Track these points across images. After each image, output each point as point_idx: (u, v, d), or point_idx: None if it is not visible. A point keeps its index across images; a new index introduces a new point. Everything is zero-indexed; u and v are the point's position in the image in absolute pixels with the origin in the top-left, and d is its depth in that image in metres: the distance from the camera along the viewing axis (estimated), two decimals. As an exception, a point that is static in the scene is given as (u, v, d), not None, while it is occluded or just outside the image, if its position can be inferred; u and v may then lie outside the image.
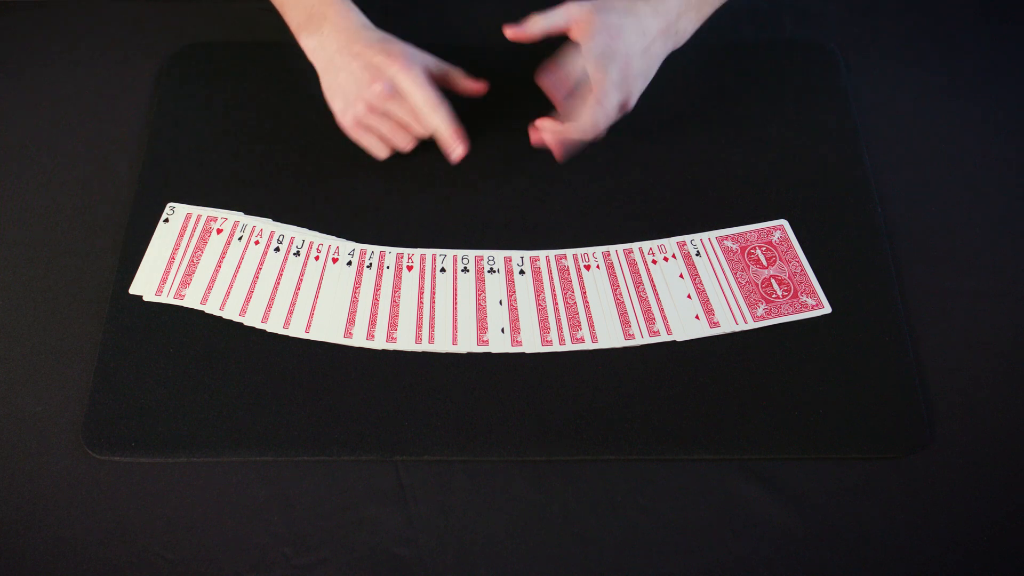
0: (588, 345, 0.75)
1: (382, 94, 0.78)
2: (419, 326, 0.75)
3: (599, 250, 0.80)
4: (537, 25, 0.78)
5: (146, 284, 0.78)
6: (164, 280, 0.78)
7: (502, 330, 0.75)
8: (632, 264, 0.79)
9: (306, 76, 0.91)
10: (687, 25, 0.81)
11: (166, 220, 0.81)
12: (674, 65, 0.87)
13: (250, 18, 0.96)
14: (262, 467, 0.71)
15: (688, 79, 0.90)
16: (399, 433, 0.71)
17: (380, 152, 0.83)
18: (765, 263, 0.79)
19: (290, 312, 0.76)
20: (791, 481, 0.69)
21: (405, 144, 0.82)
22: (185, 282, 0.78)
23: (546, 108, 0.89)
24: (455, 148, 0.80)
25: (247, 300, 0.77)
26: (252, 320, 0.76)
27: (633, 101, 0.79)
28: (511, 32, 0.78)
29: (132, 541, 0.68)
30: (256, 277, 0.78)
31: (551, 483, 0.70)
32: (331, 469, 0.70)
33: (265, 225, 0.81)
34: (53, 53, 0.94)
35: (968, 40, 0.93)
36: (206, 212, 0.82)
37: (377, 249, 0.80)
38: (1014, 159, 0.85)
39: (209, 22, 0.96)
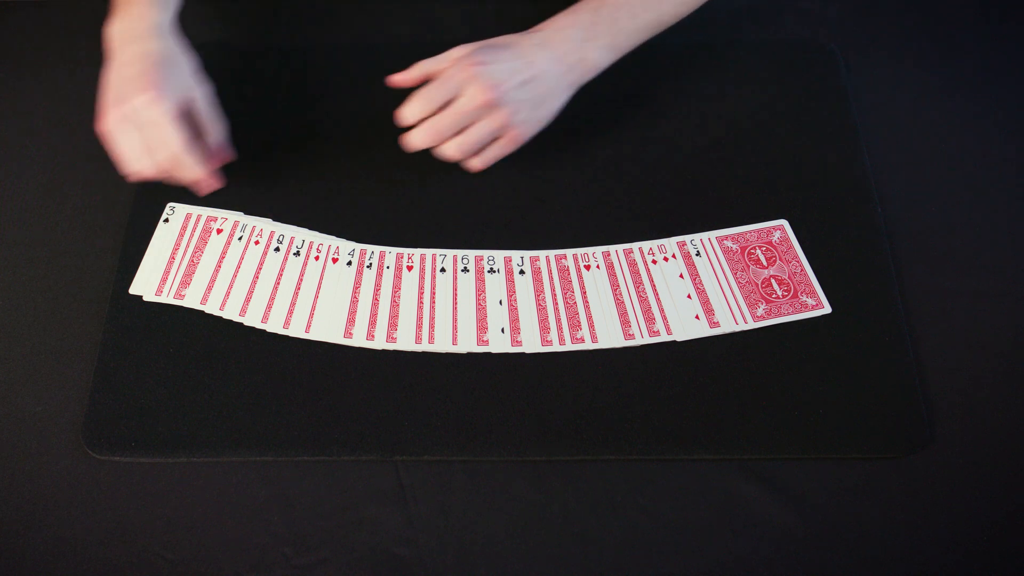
0: (588, 345, 0.75)
1: (119, 121, 0.74)
2: (419, 326, 0.75)
3: (599, 250, 0.80)
4: (417, 69, 0.78)
5: (146, 284, 0.78)
6: (164, 280, 0.78)
7: (502, 330, 0.75)
8: (632, 264, 0.79)
9: (306, 77, 0.91)
10: (597, 55, 0.79)
11: (166, 220, 0.81)
12: (675, 64, 0.87)
13: (250, 18, 0.96)
14: (262, 467, 0.71)
15: (688, 79, 0.90)
16: (399, 433, 0.71)
17: (132, 162, 0.75)
18: (765, 263, 0.79)
19: (290, 312, 0.76)
20: (791, 481, 0.69)
21: (146, 166, 0.76)
22: (185, 282, 0.78)
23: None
24: (198, 189, 0.78)
25: (247, 300, 0.77)
26: (252, 320, 0.76)
27: (522, 130, 0.78)
28: (395, 79, 0.79)
29: (132, 541, 0.68)
30: (256, 277, 0.78)
31: (551, 483, 0.70)
32: (331, 469, 0.70)
33: (265, 225, 0.81)
34: (53, 53, 0.94)
35: (968, 40, 0.93)
36: (206, 212, 0.82)
37: (377, 249, 0.80)
38: (1014, 159, 0.85)
39: (209, 22, 0.96)
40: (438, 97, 0.76)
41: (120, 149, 0.75)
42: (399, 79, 0.79)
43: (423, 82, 0.77)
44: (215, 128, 0.79)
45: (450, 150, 0.78)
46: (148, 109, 0.73)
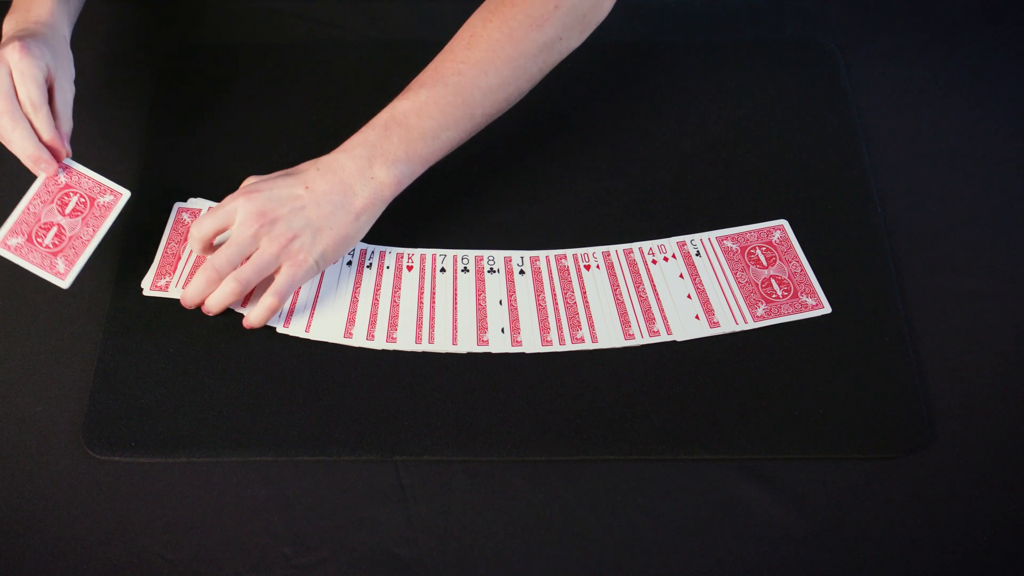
0: (588, 345, 0.75)
1: None
2: (419, 326, 0.75)
3: (599, 250, 0.80)
4: (200, 233, 0.74)
5: (153, 280, 0.78)
6: (170, 275, 0.78)
7: (502, 330, 0.75)
8: (632, 264, 0.79)
9: (306, 76, 0.91)
10: (387, 173, 0.74)
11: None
12: (675, 64, 0.87)
13: (250, 18, 0.96)
14: (262, 467, 0.71)
15: (688, 79, 0.90)
16: (399, 433, 0.71)
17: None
18: (765, 263, 0.79)
19: (290, 312, 0.76)
20: (791, 481, 0.69)
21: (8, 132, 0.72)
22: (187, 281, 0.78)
23: (548, 108, 0.89)
24: (37, 167, 0.73)
25: (248, 298, 0.77)
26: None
27: (302, 255, 0.72)
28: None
29: (132, 541, 0.68)
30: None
31: (551, 483, 0.70)
32: (331, 469, 0.70)
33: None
34: (53, 53, 0.94)
35: (968, 40, 0.93)
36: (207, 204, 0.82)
37: (377, 249, 0.80)
38: (1014, 159, 0.85)
39: (209, 22, 0.96)
40: (210, 227, 0.73)
41: None
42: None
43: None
44: (66, 119, 0.75)
45: (230, 285, 0.72)
46: (13, 54, 0.70)
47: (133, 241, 0.80)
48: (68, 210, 0.74)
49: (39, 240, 0.73)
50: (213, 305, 0.74)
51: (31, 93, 0.71)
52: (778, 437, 0.70)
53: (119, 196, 0.75)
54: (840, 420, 0.71)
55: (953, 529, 0.67)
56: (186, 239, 0.79)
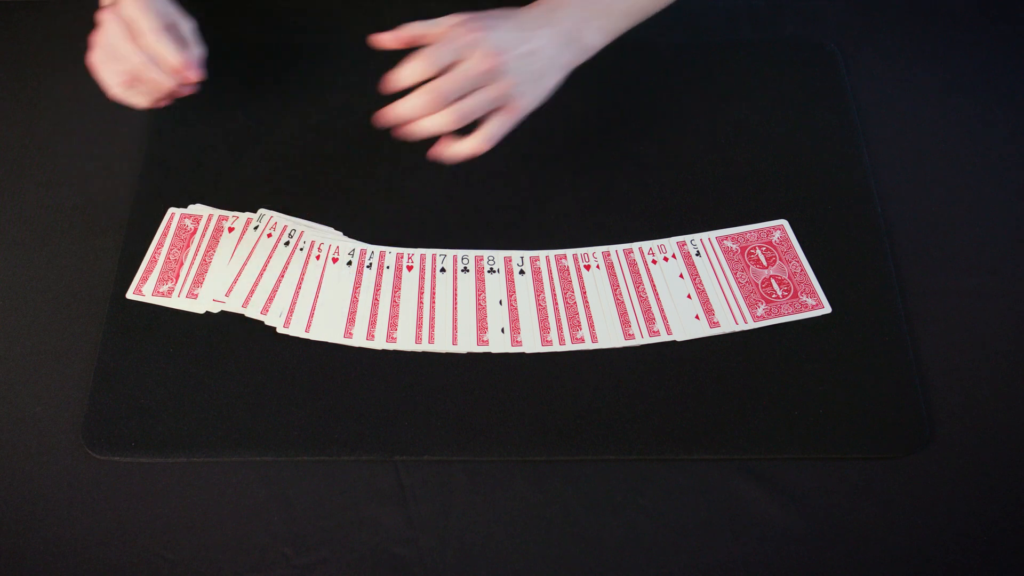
0: (588, 345, 0.75)
1: (104, 20, 0.75)
2: (419, 326, 0.75)
3: (599, 250, 0.80)
4: (410, 29, 0.74)
5: (146, 285, 0.78)
6: (172, 281, 0.78)
7: (502, 330, 0.75)
8: (632, 264, 0.79)
9: (306, 76, 0.91)
10: (592, 36, 0.77)
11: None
12: (675, 64, 0.87)
13: (250, 18, 0.96)
14: (262, 467, 0.71)
15: (688, 79, 0.90)
16: (399, 433, 0.71)
17: (112, 81, 0.77)
18: (765, 263, 0.79)
19: (290, 312, 0.76)
20: (791, 481, 0.69)
21: (115, 77, 0.76)
22: (169, 277, 0.78)
23: (548, 108, 0.89)
24: (185, 75, 0.76)
25: (250, 294, 0.77)
26: (252, 312, 0.76)
27: (525, 101, 0.74)
28: (381, 38, 0.75)
29: (132, 541, 0.68)
30: (263, 272, 0.78)
31: (551, 483, 0.70)
32: (331, 469, 0.70)
33: (278, 220, 0.81)
34: (53, 53, 0.94)
35: (968, 40, 0.93)
36: (207, 211, 0.82)
37: (377, 249, 0.80)
38: (1014, 159, 0.85)
39: (209, 22, 0.96)
40: (440, 60, 0.71)
41: (101, 44, 0.76)
42: (384, 39, 0.74)
43: (410, 48, 0.73)
44: (195, 47, 0.78)
45: (448, 116, 0.71)
46: (133, 5, 0.74)
47: (133, 242, 0.80)
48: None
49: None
50: (421, 130, 0.72)
51: (150, 34, 0.74)
52: (778, 437, 0.70)
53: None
54: (840, 420, 0.71)
55: (953, 529, 0.68)
56: (187, 246, 0.79)
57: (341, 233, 0.81)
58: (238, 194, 0.83)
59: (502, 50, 0.72)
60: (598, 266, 0.79)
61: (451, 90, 0.71)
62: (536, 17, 0.75)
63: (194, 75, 0.77)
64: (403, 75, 0.72)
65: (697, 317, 0.76)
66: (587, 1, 0.77)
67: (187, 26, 0.78)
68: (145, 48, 0.75)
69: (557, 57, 0.75)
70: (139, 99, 0.79)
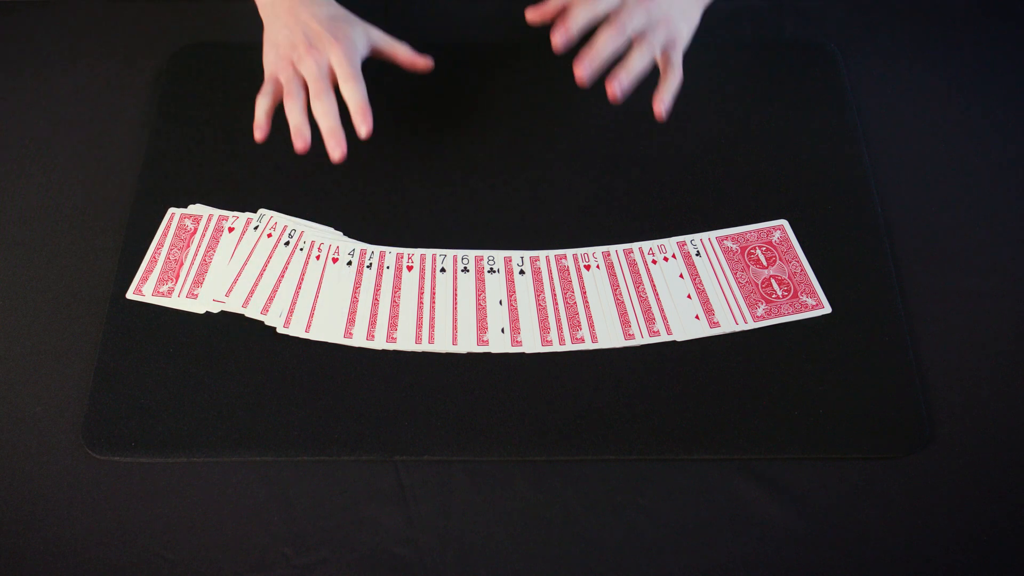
0: (588, 345, 0.75)
1: (308, 64, 0.78)
2: (419, 326, 0.75)
3: (599, 250, 0.80)
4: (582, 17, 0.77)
5: (147, 285, 0.78)
6: (172, 282, 0.78)
7: (502, 330, 0.75)
8: (632, 264, 0.79)
9: (306, 76, 0.91)
10: None
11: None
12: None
13: (250, 18, 0.96)
14: (262, 467, 0.71)
15: (688, 79, 0.90)
16: (399, 433, 0.71)
17: (264, 107, 0.80)
18: (765, 263, 0.79)
19: (290, 312, 0.76)
20: (791, 481, 0.69)
21: (297, 118, 0.78)
22: (169, 278, 0.78)
23: (548, 108, 0.89)
24: (361, 124, 0.78)
25: (250, 294, 0.77)
26: (252, 312, 0.76)
27: (680, 37, 0.79)
28: (534, 15, 0.79)
29: (132, 541, 0.68)
30: (263, 272, 0.78)
31: (551, 483, 0.70)
32: (331, 469, 0.70)
33: (278, 220, 0.81)
34: (53, 53, 0.94)
35: (968, 40, 0.93)
36: (206, 211, 0.82)
37: (377, 249, 0.80)
38: (1014, 159, 0.85)
39: (209, 22, 0.96)
40: (601, 8, 0.75)
41: (265, 102, 0.80)
42: (536, 16, 0.79)
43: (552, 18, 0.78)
44: (406, 53, 0.83)
45: (610, 39, 0.76)
46: (338, 61, 0.78)
47: (133, 242, 0.80)
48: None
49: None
50: (575, 25, 0.75)
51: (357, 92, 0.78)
52: (778, 437, 0.70)
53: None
54: (840, 420, 0.71)
55: (953, 529, 0.68)
56: (187, 246, 0.79)
57: (341, 233, 0.81)
58: (238, 194, 0.83)
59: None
60: (598, 266, 0.79)
61: (614, 37, 0.76)
62: None
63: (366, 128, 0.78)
64: (572, 23, 0.75)
65: (697, 317, 0.76)
66: None
67: (381, 37, 0.82)
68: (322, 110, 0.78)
69: (698, 2, 0.82)
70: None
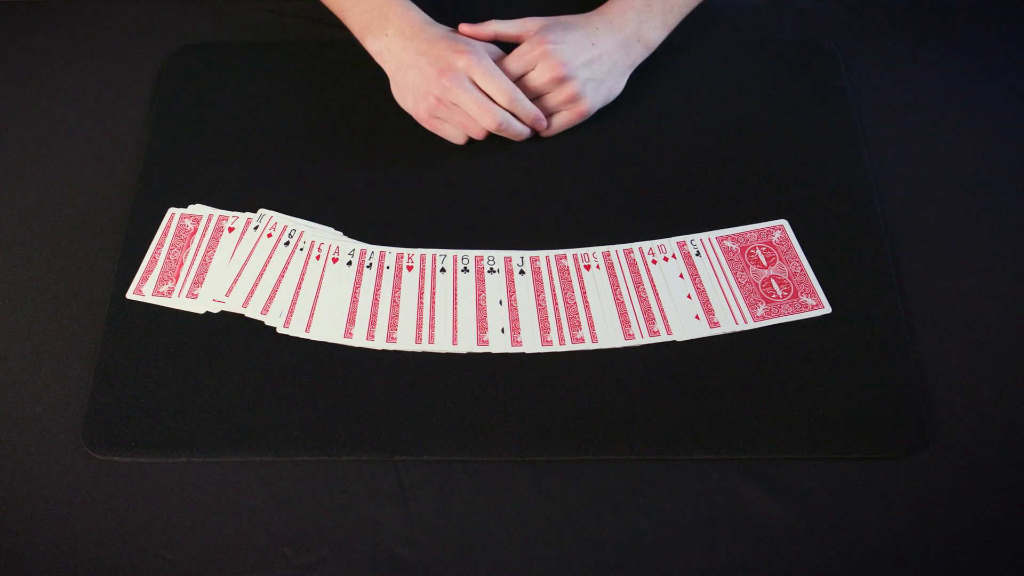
0: (588, 345, 0.75)
1: (449, 87, 0.80)
2: (419, 326, 0.75)
3: (599, 250, 0.80)
4: (491, 27, 0.85)
5: (138, 285, 0.78)
6: (172, 281, 0.78)
7: (502, 330, 0.75)
8: (632, 264, 0.79)
9: (306, 76, 0.91)
10: (652, 33, 0.86)
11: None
12: (675, 64, 0.87)
13: (250, 18, 0.96)
14: (262, 467, 0.71)
15: (688, 79, 0.90)
16: (399, 433, 0.71)
17: (458, 139, 0.85)
18: (765, 263, 0.79)
19: (290, 312, 0.76)
20: (791, 481, 0.69)
21: (477, 133, 0.83)
22: (169, 278, 0.78)
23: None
24: (539, 126, 0.84)
25: (250, 294, 0.77)
26: (252, 312, 0.76)
27: (588, 103, 0.84)
28: (466, 28, 0.85)
29: (132, 541, 0.68)
30: (263, 272, 0.78)
31: (551, 483, 0.70)
32: (331, 469, 0.70)
33: (278, 220, 0.81)
34: (53, 53, 0.94)
35: (968, 40, 0.93)
36: (206, 211, 0.82)
37: (377, 249, 0.80)
38: (1014, 159, 0.85)
39: (209, 22, 0.96)
40: (512, 71, 0.82)
41: (446, 128, 0.84)
42: (469, 30, 0.85)
43: (491, 39, 0.85)
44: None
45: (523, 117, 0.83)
46: (474, 68, 0.80)
47: (133, 242, 0.80)
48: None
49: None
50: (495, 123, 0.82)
51: (506, 89, 0.81)
52: (778, 437, 0.70)
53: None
54: (840, 420, 0.71)
55: (953, 529, 0.67)
56: (187, 246, 0.79)
57: (341, 233, 0.81)
58: (238, 194, 0.83)
59: (567, 61, 0.81)
60: (598, 266, 0.79)
61: (515, 97, 0.81)
62: (601, 26, 0.84)
63: (544, 124, 0.84)
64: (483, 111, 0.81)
65: (697, 317, 0.76)
66: (645, 3, 0.85)
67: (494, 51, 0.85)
68: (500, 115, 0.82)
69: (620, 60, 0.85)
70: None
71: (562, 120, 0.85)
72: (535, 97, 0.83)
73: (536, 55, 0.82)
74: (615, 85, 0.85)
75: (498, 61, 0.83)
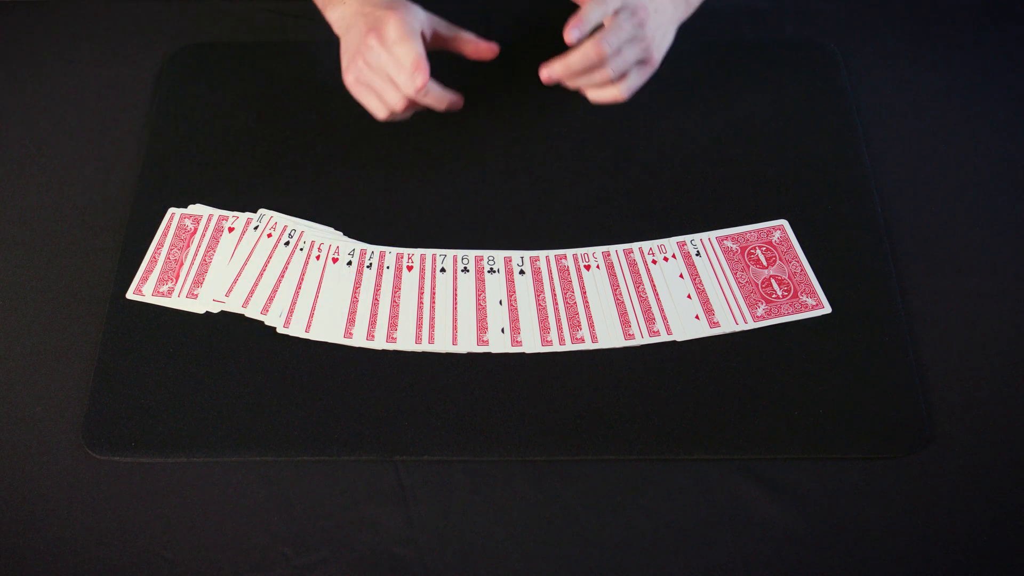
0: (588, 345, 0.75)
1: (373, 46, 0.77)
2: (419, 326, 0.75)
3: (599, 250, 0.80)
4: (589, 21, 0.77)
5: (137, 285, 0.78)
6: (172, 281, 0.78)
7: (502, 330, 0.75)
8: (632, 264, 0.79)
9: (306, 76, 0.91)
10: None
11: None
12: (674, 65, 0.87)
13: (250, 18, 0.96)
14: (262, 467, 0.71)
15: (688, 79, 0.90)
16: (399, 433, 0.71)
17: (378, 111, 0.81)
18: (765, 263, 0.79)
19: (290, 312, 0.76)
20: (791, 481, 0.69)
21: (395, 102, 0.79)
22: (169, 278, 0.78)
23: (548, 108, 0.89)
24: (441, 105, 0.80)
25: (250, 294, 0.77)
26: (252, 312, 0.76)
27: (656, 55, 0.80)
28: (572, 34, 0.77)
29: (132, 541, 0.68)
30: (263, 272, 0.78)
31: (551, 483, 0.70)
32: (331, 469, 0.70)
33: (279, 220, 0.81)
34: (53, 53, 0.94)
35: (968, 40, 0.93)
36: (207, 211, 0.82)
37: (377, 249, 0.80)
38: (1014, 159, 0.85)
39: (209, 22, 0.96)
40: (610, 7, 0.77)
41: (368, 97, 0.80)
42: (574, 33, 0.77)
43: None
44: (470, 41, 0.82)
45: (608, 72, 0.78)
46: (391, 25, 0.76)
47: (133, 242, 0.80)
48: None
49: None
50: (588, 22, 0.76)
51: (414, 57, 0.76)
52: (778, 437, 0.70)
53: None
54: (840, 420, 0.71)
55: (953, 529, 0.67)
56: (187, 246, 0.79)
57: (341, 233, 0.81)
58: (238, 194, 0.83)
59: (643, 6, 0.77)
60: (598, 266, 0.79)
61: (614, 45, 0.77)
62: None
63: (444, 105, 0.80)
64: (585, 18, 0.76)
65: (697, 317, 0.76)
66: None
67: (440, 22, 0.82)
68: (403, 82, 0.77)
69: (674, 13, 0.82)
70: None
71: (638, 79, 0.80)
72: (598, 58, 0.77)
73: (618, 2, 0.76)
74: (669, 39, 0.82)
75: (436, 34, 0.80)
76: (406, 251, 0.80)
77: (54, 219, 0.83)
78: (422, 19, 0.79)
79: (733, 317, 0.76)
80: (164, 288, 0.78)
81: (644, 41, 0.78)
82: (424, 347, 0.75)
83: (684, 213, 0.82)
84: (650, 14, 0.78)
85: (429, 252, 0.80)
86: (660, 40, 0.80)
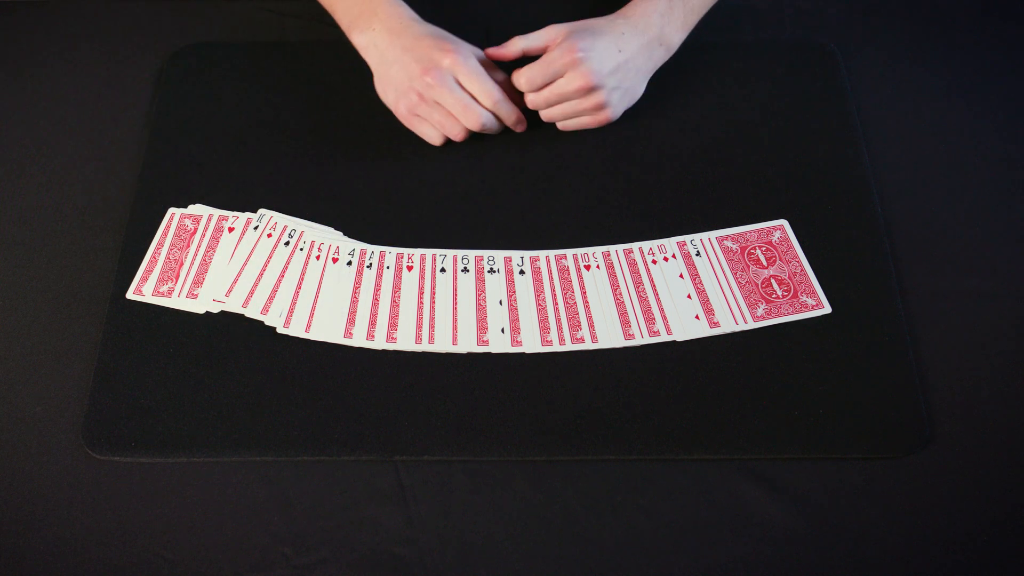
0: (588, 345, 0.75)
1: (433, 84, 0.80)
2: (419, 326, 0.75)
3: (599, 250, 0.80)
4: (517, 45, 0.83)
5: (138, 286, 0.78)
6: (172, 281, 0.78)
7: (502, 330, 0.75)
8: (632, 264, 0.79)
9: (306, 76, 0.91)
10: (674, 35, 0.86)
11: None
12: (675, 65, 0.87)
13: (250, 18, 0.96)
14: (262, 467, 0.71)
15: (688, 79, 0.90)
16: (399, 433, 0.71)
17: (435, 139, 0.85)
18: (765, 263, 0.79)
19: (290, 312, 0.76)
20: (791, 481, 0.69)
21: (457, 133, 0.83)
22: (169, 278, 0.78)
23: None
24: (520, 128, 0.85)
25: (250, 294, 0.77)
26: (252, 312, 0.76)
27: (613, 110, 0.84)
28: (492, 52, 0.84)
29: (132, 541, 0.68)
30: (263, 272, 0.78)
31: (551, 483, 0.70)
32: (331, 469, 0.70)
33: (279, 220, 0.81)
34: (53, 53, 0.94)
35: (969, 40, 0.93)
36: (207, 211, 0.82)
37: (377, 249, 0.80)
38: (1014, 159, 0.85)
39: (209, 22, 0.96)
40: (540, 79, 0.81)
41: (424, 128, 0.84)
42: (496, 53, 0.84)
43: (520, 57, 0.84)
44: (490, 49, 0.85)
45: (545, 116, 0.85)
46: (459, 67, 0.80)
47: (133, 242, 0.80)
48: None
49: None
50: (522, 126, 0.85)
51: (491, 92, 0.82)
52: (778, 437, 0.70)
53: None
54: (840, 420, 0.71)
55: (953, 529, 0.67)
56: (187, 246, 0.80)
57: (341, 233, 0.81)
58: (238, 194, 0.83)
59: (597, 71, 0.80)
60: (598, 266, 0.79)
61: (546, 102, 0.83)
62: (625, 31, 0.83)
63: (522, 127, 0.86)
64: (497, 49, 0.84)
65: (697, 317, 0.76)
66: (667, 4, 0.85)
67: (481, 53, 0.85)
68: (475, 118, 0.82)
69: (645, 64, 0.84)
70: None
71: (582, 123, 0.85)
72: (560, 102, 0.83)
73: (565, 63, 0.80)
74: (637, 90, 0.86)
75: (483, 63, 0.83)
76: (406, 251, 0.80)
77: (54, 219, 0.83)
78: (478, 54, 0.83)
79: (733, 317, 0.76)
80: (164, 288, 0.78)
81: (591, 101, 0.82)
82: (424, 347, 0.75)
83: (684, 213, 0.82)
84: (604, 78, 0.81)
85: (429, 252, 0.80)
86: (620, 97, 0.84)
